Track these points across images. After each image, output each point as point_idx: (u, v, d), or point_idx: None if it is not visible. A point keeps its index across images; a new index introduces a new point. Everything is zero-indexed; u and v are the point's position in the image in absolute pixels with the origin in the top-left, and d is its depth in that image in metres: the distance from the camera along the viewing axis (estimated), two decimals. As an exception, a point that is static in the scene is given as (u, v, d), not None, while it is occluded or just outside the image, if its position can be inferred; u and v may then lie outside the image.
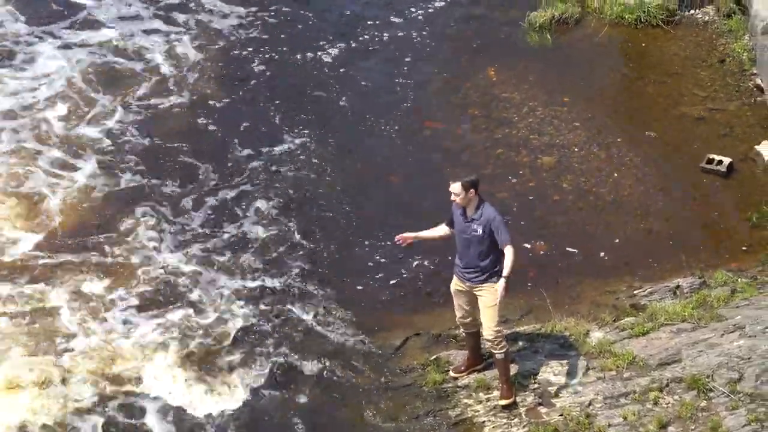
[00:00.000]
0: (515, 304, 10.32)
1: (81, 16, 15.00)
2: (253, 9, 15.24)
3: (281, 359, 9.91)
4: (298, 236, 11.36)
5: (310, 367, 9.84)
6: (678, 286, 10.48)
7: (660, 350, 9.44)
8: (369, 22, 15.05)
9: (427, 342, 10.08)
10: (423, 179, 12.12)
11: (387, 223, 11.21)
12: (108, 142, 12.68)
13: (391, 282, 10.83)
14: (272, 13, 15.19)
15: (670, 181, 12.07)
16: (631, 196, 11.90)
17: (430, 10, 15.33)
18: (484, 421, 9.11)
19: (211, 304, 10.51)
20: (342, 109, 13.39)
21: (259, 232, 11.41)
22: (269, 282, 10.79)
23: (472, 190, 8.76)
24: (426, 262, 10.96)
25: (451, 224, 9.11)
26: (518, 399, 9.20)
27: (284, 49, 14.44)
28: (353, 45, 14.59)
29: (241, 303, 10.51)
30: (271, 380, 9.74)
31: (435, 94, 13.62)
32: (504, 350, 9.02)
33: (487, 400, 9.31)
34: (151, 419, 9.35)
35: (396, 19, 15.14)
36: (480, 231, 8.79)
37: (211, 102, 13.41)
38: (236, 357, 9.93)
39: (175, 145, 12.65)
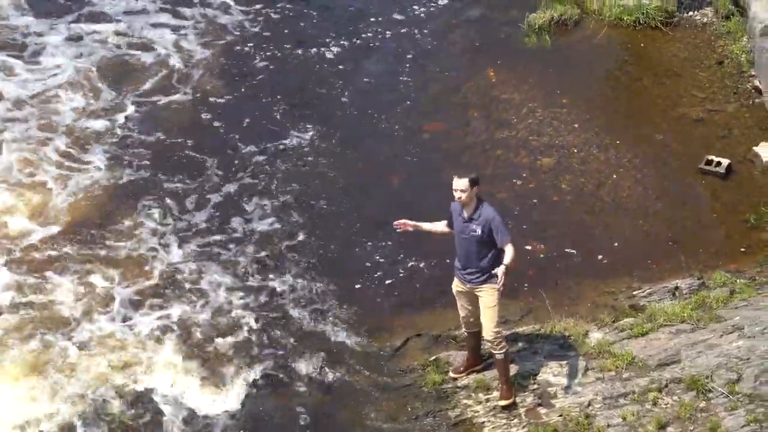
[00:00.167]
0: (515, 304, 10.34)
1: (88, 10, 15.17)
2: (258, 6, 15.37)
3: (281, 359, 9.93)
4: (299, 236, 11.38)
5: (310, 366, 9.85)
6: (677, 287, 10.49)
7: (659, 351, 9.46)
8: (372, 19, 15.15)
9: (427, 343, 10.10)
10: (423, 179, 12.14)
11: (388, 222, 11.20)
12: (114, 135, 12.82)
13: (392, 282, 10.85)
14: (276, 9, 15.34)
15: (669, 182, 12.09)
16: (630, 197, 11.92)
17: (432, 9, 15.42)
18: (483, 422, 9.13)
19: (211, 302, 10.54)
20: (344, 106, 13.47)
21: (261, 230, 11.45)
22: (270, 280, 10.81)
23: (475, 188, 8.78)
24: (426, 263, 10.97)
25: (450, 224, 9.12)
26: (518, 399, 9.21)
27: (287, 45, 14.57)
28: (356, 42, 14.68)
29: (242, 302, 10.54)
30: (271, 380, 9.76)
31: (435, 95, 13.64)
32: (504, 351, 9.04)
33: (487, 400, 9.32)
34: (151, 419, 9.37)
35: (398, 16, 15.24)
36: (479, 231, 8.80)
37: (215, 97, 13.56)
38: (236, 356, 9.95)
39: (179, 140, 12.77)
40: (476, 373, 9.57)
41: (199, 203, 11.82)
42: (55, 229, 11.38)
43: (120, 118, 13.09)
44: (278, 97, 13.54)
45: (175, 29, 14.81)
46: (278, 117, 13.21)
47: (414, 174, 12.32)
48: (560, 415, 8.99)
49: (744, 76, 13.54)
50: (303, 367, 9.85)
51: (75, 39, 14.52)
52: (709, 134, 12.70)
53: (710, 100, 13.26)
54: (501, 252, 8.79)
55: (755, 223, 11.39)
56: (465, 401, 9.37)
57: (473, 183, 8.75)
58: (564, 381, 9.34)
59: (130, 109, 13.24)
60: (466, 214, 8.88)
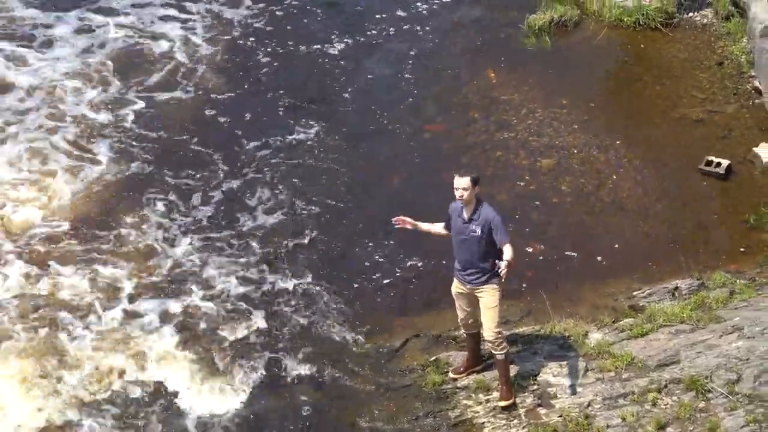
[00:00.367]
0: (515, 305, 10.35)
1: (95, 4, 15.33)
2: (262, 3, 15.54)
3: (281, 359, 9.94)
4: (299, 235, 11.41)
5: (309, 367, 9.86)
6: (677, 288, 10.49)
7: (659, 351, 9.47)
8: (376, 16, 15.23)
9: (427, 343, 10.10)
10: (424, 178, 12.17)
11: (389, 221, 11.22)
12: (120, 129, 12.97)
13: (392, 283, 10.86)
14: (281, 6, 15.52)
15: (669, 182, 12.09)
16: (630, 198, 11.92)
17: (434, 6, 15.54)
18: (483, 422, 9.13)
19: (212, 300, 10.57)
20: (346, 103, 13.60)
21: (262, 229, 11.50)
22: (271, 280, 10.83)
23: (476, 187, 8.78)
24: (426, 263, 10.99)
25: (448, 226, 9.11)
26: (518, 400, 9.21)
27: (291, 41, 14.72)
28: (359, 40, 14.81)
29: (243, 301, 10.55)
30: (270, 380, 9.77)
31: (436, 95, 13.68)
32: (504, 351, 9.04)
33: (487, 401, 9.33)
34: (151, 417, 9.38)
35: (401, 13, 15.35)
36: (479, 231, 8.79)
37: (219, 92, 13.72)
38: (236, 356, 9.97)
39: (184, 135, 12.92)
40: (476, 373, 9.58)
41: (203, 198, 11.93)
42: (61, 221, 11.50)
43: (126, 111, 13.25)
44: (281, 92, 13.68)
45: (181, 24, 15.03)
46: (281, 113, 13.33)
47: (414, 173, 12.35)
48: (560, 416, 8.99)
49: (744, 76, 13.55)
50: (303, 367, 9.86)
51: (83, 31, 14.74)
52: (709, 135, 12.71)
53: (710, 100, 13.27)
54: (501, 253, 8.79)
55: (755, 224, 11.39)
56: (465, 402, 9.37)
57: (474, 182, 8.75)
58: (564, 381, 9.35)
59: (136, 103, 13.41)
60: (466, 215, 8.87)
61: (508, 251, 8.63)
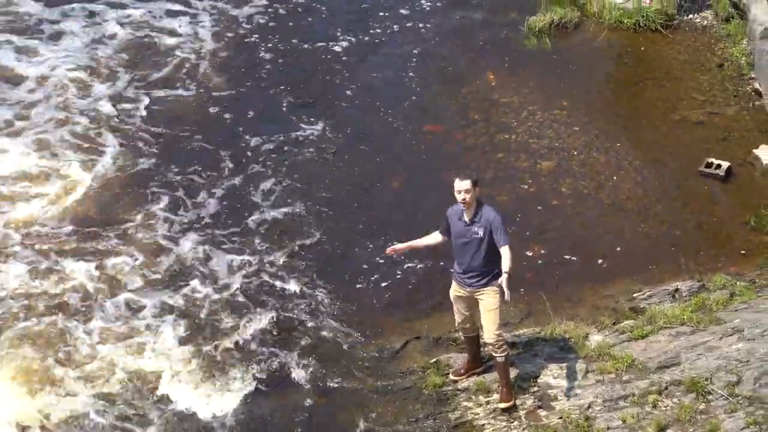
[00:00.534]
0: (515, 307, 10.34)
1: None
2: (266, 0, 15.71)
3: (280, 361, 9.93)
4: (300, 236, 11.44)
5: (309, 369, 9.85)
6: (677, 290, 10.50)
7: (659, 353, 9.47)
8: (380, 14, 15.31)
9: (427, 345, 10.10)
10: (424, 178, 12.19)
11: (389, 222, 11.27)
12: (126, 124, 13.11)
13: (392, 284, 10.86)
14: (285, 3, 15.71)
15: (669, 184, 12.10)
16: (630, 199, 11.93)
17: (438, 4, 15.64)
18: (483, 424, 9.13)
19: (213, 300, 10.59)
20: (349, 101, 13.71)
21: (264, 228, 11.56)
22: (272, 280, 10.85)
23: (477, 188, 8.78)
24: (426, 266, 10.98)
25: (445, 232, 9.05)
26: (518, 402, 9.21)
27: (295, 39, 14.89)
28: (362, 38, 14.93)
29: (243, 301, 10.56)
30: (271, 381, 9.77)
31: (436, 95, 13.72)
32: (505, 353, 9.03)
33: (487, 403, 9.32)
34: (150, 417, 9.39)
35: (404, 11, 15.46)
36: (481, 233, 8.76)
37: (223, 89, 13.86)
38: (236, 357, 9.97)
39: (188, 131, 13.07)
40: (476, 375, 9.57)
41: (207, 195, 12.03)
42: (66, 215, 11.59)
43: (132, 106, 13.42)
44: (285, 89, 13.82)
45: (187, 20, 15.21)
46: (284, 110, 13.48)
47: (414, 175, 12.37)
48: (560, 418, 8.99)
49: (744, 78, 13.56)
50: (303, 367, 9.85)
51: (91, 24, 14.94)
52: (709, 137, 12.72)
53: (710, 102, 13.28)
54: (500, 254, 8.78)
55: (755, 226, 11.40)
56: (465, 404, 9.37)
57: (475, 184, 8.75)
58: (564, 383, 9.34)
59: (143, 98, 13.57)
60: (467, 218, 8.84)
61: (506, 258, 8.57)
